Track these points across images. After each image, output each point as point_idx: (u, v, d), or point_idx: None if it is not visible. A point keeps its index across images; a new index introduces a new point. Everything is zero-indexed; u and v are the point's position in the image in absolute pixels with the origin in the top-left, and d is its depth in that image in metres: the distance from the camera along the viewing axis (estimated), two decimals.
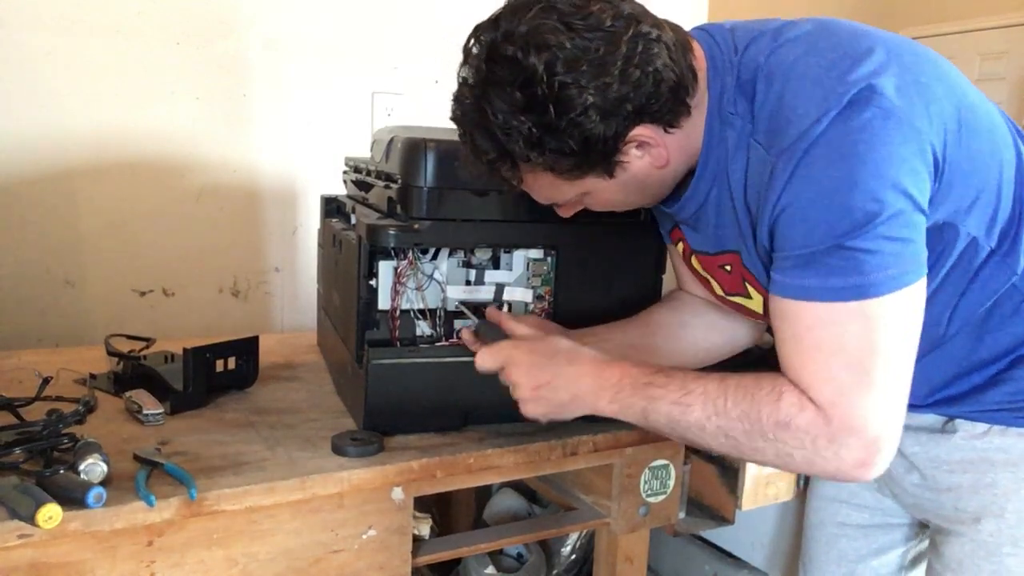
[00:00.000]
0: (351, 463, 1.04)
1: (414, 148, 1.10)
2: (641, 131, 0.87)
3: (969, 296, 0.92)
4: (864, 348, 0.81)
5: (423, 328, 1.17)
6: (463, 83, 0.89)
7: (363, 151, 1.48)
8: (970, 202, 0.86)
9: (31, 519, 0.82)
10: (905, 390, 0.83)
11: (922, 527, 1.15)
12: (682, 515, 1.43)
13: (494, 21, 0.86)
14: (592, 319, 1.19)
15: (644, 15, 0.86)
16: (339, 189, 1.57)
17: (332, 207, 1.51)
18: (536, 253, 1.20)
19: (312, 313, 1.75)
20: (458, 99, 0.90)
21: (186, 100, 1.76)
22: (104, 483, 0.90)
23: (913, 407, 0.95)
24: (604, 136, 0.85)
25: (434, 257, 1.16)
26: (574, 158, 0.87)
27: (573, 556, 1.85)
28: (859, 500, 1.17)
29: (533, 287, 1.21)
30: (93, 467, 0.91)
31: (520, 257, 1.20)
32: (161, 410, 1.16)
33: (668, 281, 1.29)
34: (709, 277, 1.07)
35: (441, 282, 1.17)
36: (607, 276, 1.22)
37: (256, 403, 1.26)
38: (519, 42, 0.82)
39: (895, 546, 1.17)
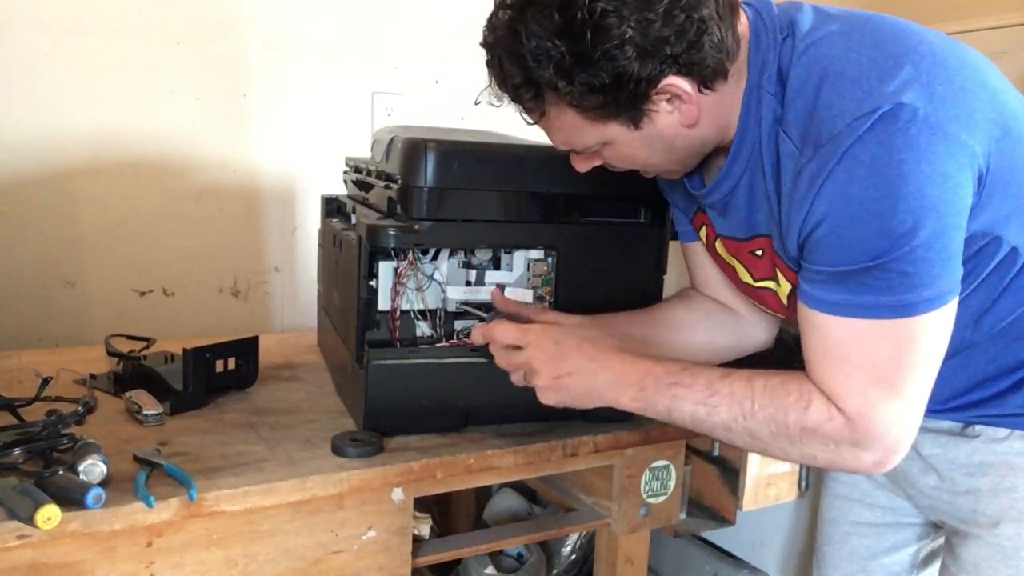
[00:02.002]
0: (351, 463, 1.04)
1: (414, 148, 1.10)
2: (675, 81, 0.84)
3: (1001, 303, 0.90)
4: (893, 363, 0.81)
5: (423, 329, 1.17)
6: (500, 4, 0.86)
7: (363, 151, 1.48)
8: (1009, 211, 0.84)
9: (30, 520, 0.82)
10: (926, 397, 0.84)
11: (935, 526, 1.14)
12: (683, 516, 1.43)
13: None
14: None
15: None
16: (339, 189, 1.57)
17: (332, 207, 1.51)
18: (536, 253, 1.20)
19: (312, 313, 1.75)
20: (491, 22, 0.88)
21: (186, 100, 1.76)
22: (103, 484, 0.90)
23: (934, 411, 0.94)
24: (637, 76, 0.82)
25: (434, 258, 1.16)
26: (602, 95, 0.84)
27: (573, 556, 1.85)
28: (872, 500, 1.17)
29: (533, 287, 1.21)
30: (92, 468, 0.91)
31: (520, 257, 1.20)
32: (161, 410, 1.16)
33: (668, 281, 1.29)
34: (736, 263, 1.04)
35: (441, 283, 1.16)
36: (607, 276, 1.21)
37: (256, 403, 1.26)
38: None
39: (908, 544, 1.16)
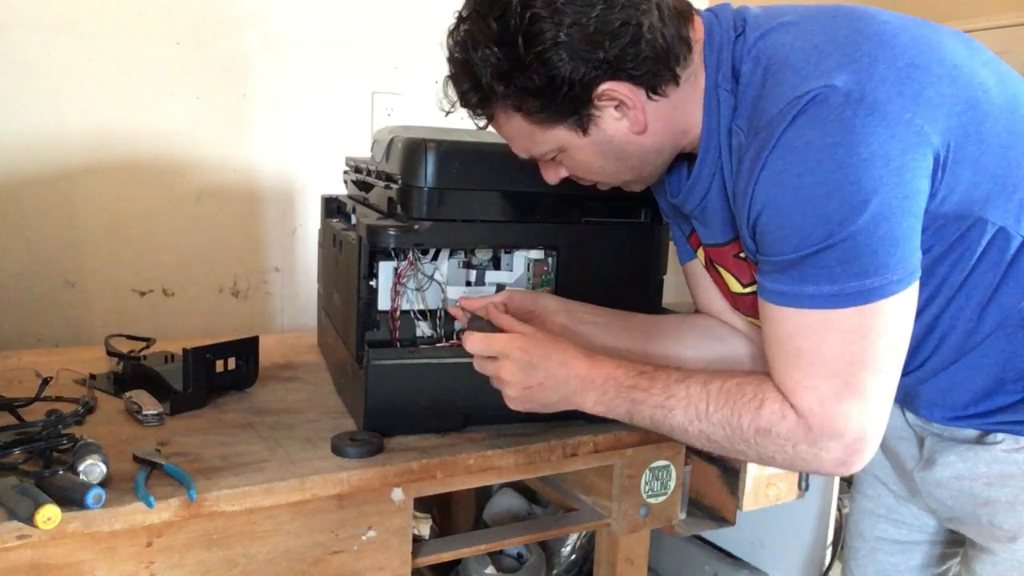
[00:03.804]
0: (351, 464, 1.04)
1: (414, 148, 1.10)
2: (616, 87, 0.85)
3: (1005, 290, 0.85)
4: (845, 357, 0.79)
5: (423, 329, 1.17)
6: (456, 19, 0.92)
7: (363, 151, 1.48)
8: (987, 190, 0.81)
9: (30, 520, 0.82)
10: (889, 393, 0.81)
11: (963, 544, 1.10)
12: (683, 516, 1.42)
13: None
14: None
15: None
16: (339, 189, 1.57)
17: (332, 207, 1.51)
18: (536, 253, 1.20)
19: (312, 313, 1.75)
20: (449, 31, 0.93)
21: (186, 100, 1.76)
22: (103, 484, 0.90)
23: (954, 418, 0.93)
24: (571, 79, 0.83)
25: (434, 258, 1.16)
26: (540, 99, 0.86)
27: (573, 556, 1.85)
28: (897, 516, 1.13)
29: (533, 287, 1.21)
30: (92, 468, 0.91)
31: (520, 257, 1.20)
32: (161, 410, 1.16)
33: (668, 281, 1.29)
34: (725, 273, 1.03)
35: (441, 283, 1.16)
36: (607, 276, 1.21)
37: (256, 403, 1.26)
38: None
39: (934, 564, 1.13)
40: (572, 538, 1.84)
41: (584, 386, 0.94)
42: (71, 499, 0.86)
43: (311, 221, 1.89)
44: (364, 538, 1.05)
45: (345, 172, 1.53)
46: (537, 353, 0.96)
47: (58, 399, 1.18)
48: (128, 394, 1.20)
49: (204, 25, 1.75)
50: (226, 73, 1.79)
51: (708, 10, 0.92)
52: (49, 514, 0.83)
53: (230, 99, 1.80)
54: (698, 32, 0.89)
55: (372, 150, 1.37)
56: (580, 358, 0.95)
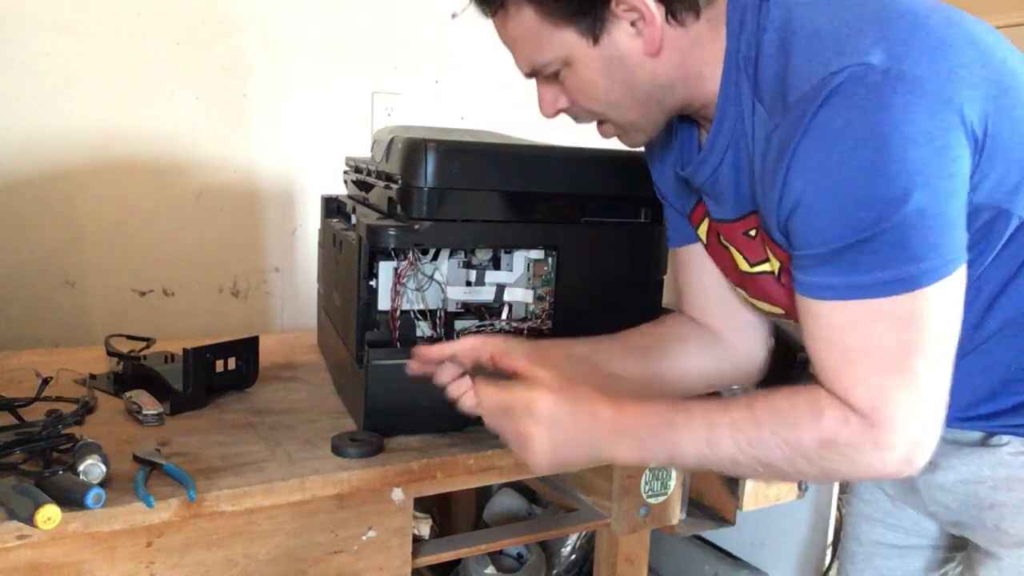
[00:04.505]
0: (351, 464, 1.04)
1: (414, 148, 1.10)
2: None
3: (1016, 287, 0.82)
4: (901, 346, 0.74)
5: (423, 329, 1.17)
6: None
7: (363, 151, 1.48)
8: (1017, 180, 0.77)
9: (30, 520, 0.82)
10: (945, 382, 0.77)
11: (963, 549, 1.07)
12: (683, 516, 1.42)
13: None
14: (592, 319, 1.19)
15: None
16: (339, 189, 1.57)
17: (332, 207, 1.51)
18: (536, 253, 1.20)
19: (312, 313, 1.75)
20: None
21: (186, 100, 1.76)
22: (103, 484, 0.90)
23: (958, 419, 0.89)
24: None
25: (434, 258, 1.16)
26: None
27: (573, 556, 1.85)
28: (894, 520, 1.11)
29: (533, 287, 1.21)
30: (92, 468, 0.91)
31: (520, 257, 1.20)
32: (161, 410, 1.16)
33: (668, 281, 1.29)
34: (734, 250, 0.97)
35: (441, 283, 1.16)
36: (607, 276, 1.21)
37: (256, 403, 1.26)
38: None
39: (933, 568, 1.11)
40: (572, 538, 1.84)
41: (615, 435, 0.86)
42: (71, 499, 0.86)
43: (311, 221, 1.89)
44: (364, 538, 1.05)
45: (345, 172, 1.53)
46: (563, 405, 0.86)
47: (58, 399, 1.18)
48: (128, 394, 1.20)
49: (204, 25, 1.75)
50: (226, 73, 1.79)
51: None
52: (49, 514, 0.83)
53: (230, 99, 1.80)
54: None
55: (372, 150, 1.37)
56: (606, 405, 0.86)
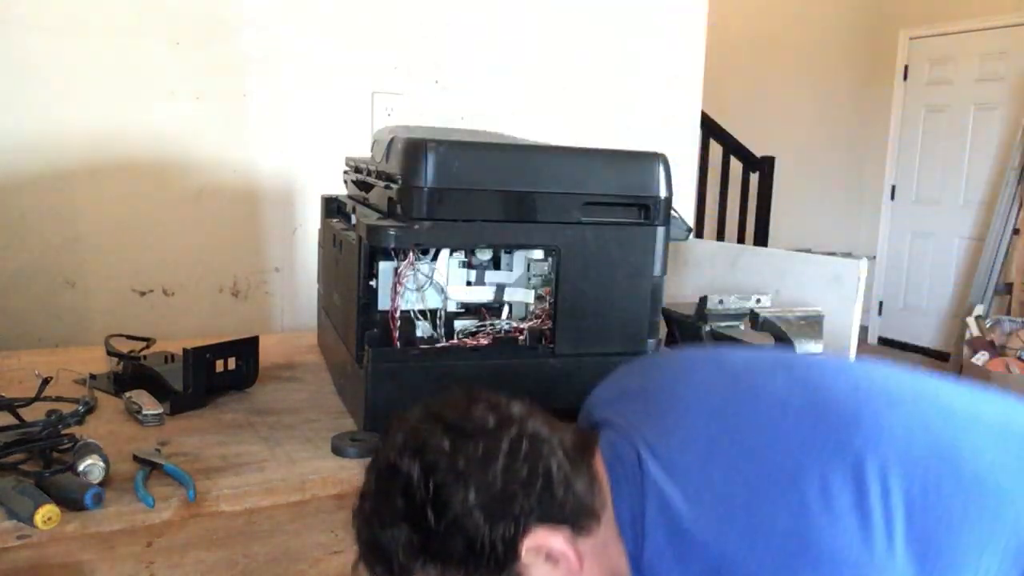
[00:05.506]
0: (351, 464, 1.04)
1: (414, 148, 1.10)
2: (540, 537, 0.79)
3: None
4: None
5: (423, 329, 1.17)
6: (359, 496, 0.84)
7: (363, 151, 1.48)
8: None
9: (30, 520, 0.82)
10: None
11: None
12: None
13: (385, 431, 0.83)
14: (592, 319, 1.19)
15: (535, 415, 0.82)
16: (339, 189, 1.57)
17: (332, 207, 1.51)
18: (536, 253, 1.20)
19: (312, 313, 1.75)
20: (354, 512, 0.85)
21: (186, 100, 1.76)
22: (103, 484, 0.90)
23: None
24: (492, 540, 0.77)
25: (434, 258, 1.16)
26: (464, 566, 0.78)
27: None
28: None
29: (533, 287, 1.21)
30: (92, 468, 0.91)
31: (520, 257, 1.20)
32: (161, 410, 1.16)
33: (668, 281, 1.29)
34: None
35: (441, 283, 1.16)
36: (607, 276, 1.21)
37: (256, 403, 1.26)
38: (399, 448, 0.79)
39: None
40: None
41: None
42: (71, 499, 0.86)
43: (311, 221, 1.89)
44: None
45: (345, 172, 1.53)
46: None
47: (58, 399, 1.18)
48: (128, 394, 1.20)
49: (204, 25, 1.75)
50: (226, 73, 1.79)
51: (606, 442, 0.87)
52: (49, 514, 0.83)
53: (230, 99, 1.81)
54: (602, 471, 0.84)
55: (372, 150, 1.37)
56: None
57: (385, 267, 1.14)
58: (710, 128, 4.06)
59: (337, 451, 1.06)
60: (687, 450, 0.83)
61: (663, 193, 1.19)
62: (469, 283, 1.19)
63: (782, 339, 1.24)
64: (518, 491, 0.78)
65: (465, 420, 0.80)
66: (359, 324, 1.14)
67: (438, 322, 1.17)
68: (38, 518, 0.82)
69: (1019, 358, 4.11)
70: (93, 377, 1.31)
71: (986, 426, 0.82)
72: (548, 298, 1.20)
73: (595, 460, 0.85)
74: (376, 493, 0.81)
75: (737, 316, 1.40)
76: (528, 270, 1.21)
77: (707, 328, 1.39)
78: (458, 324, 1.18)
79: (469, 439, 0.78)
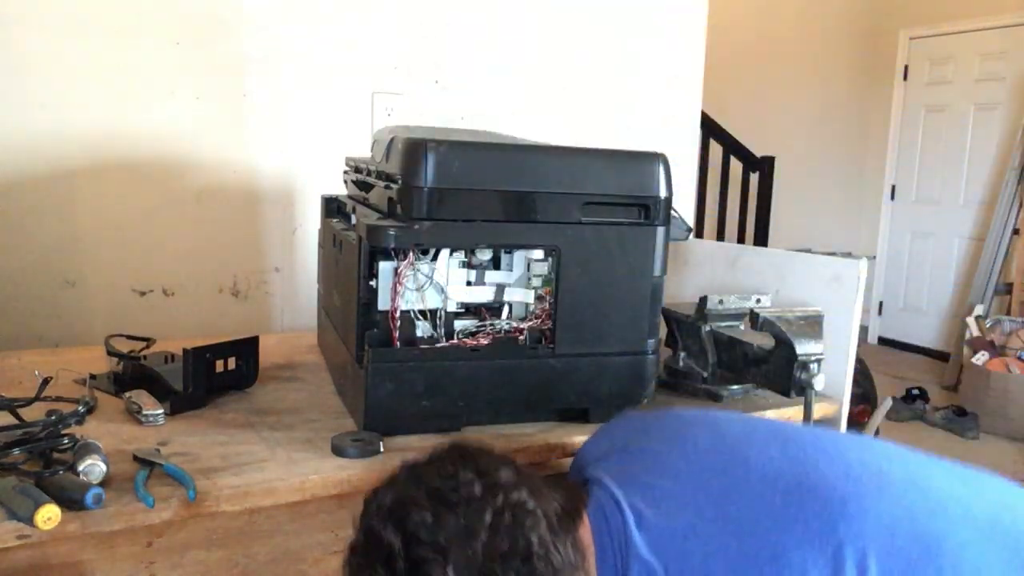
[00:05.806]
0: (351, 464, 1.04)
1: (414, 148, 1.10)
2: None
3: None
4: None
5: (423, 329, 1.17)
6: (349, 547, 0.84)
7: (363, 151, 1.48)
8: None
9: (30, 520, 0.82)
10: None
11: None
12: None
13: (374, 492, 0.83)
14: (592, 319, 1.19)
15: (521, 483, 0.81)
16: (339, 189, 1.57)
17: (332, 207, 1.51)
18: (536, 253, 1.20)
19: (312, 313, 1.75)
20: (344, 562, 0.85)
21: (186, 100, 1.76)
22: (103, 484, 0.90)
23: None
24: None
25: (434, 258, 1.16)
26: None
27: None
28: None
29: (533, 287, 1.21)
30: (92, 468, 0.91)
31: (520, 257, 1.20)
32: (161, 410, 1.16)
33: (668, 281, 1.29)
34: None
35: (441, 283, 1.16)
36: (607, 276, 1.21)
37: (256, 403, 1.26)
38: (383, 515, 0.79)
39: None
40: None
41: None
42: (71, 499, 0.86)
43: (311, 221, 1.89)
44: None
45: (345, 172, 1.53)
46: None
47: (58, 399, 1.18)
48: (128, 394, 1.20)
49: (204, 25, 1.75)
50: (226, 73, 1.79)
51: (595, 505, 0.88)
52: (49, 514, 0.83)
53: (230, 99, 1.81)
54: (588, 536, 0.85)
55: (372, 150, 1.37)
56: None
57: (385, 267, 1.14)
58: (710, 128, 4.06)
59: (337, 451, 1.06)
60: (674, 518, 0.84)
61: (663, 193, 1.19)
62: (469, 283, 1.19)
63: (782, 339, 1.24)
64: (497, 568, 0.77)
65: (450, 488, 0.79)
66: (359, 324, 1.14)
67: (438, 322, 1.17)
68: (38, 518, 0.82)
69: (1019, 358, 4.12)
70: (93, 377, 1.31)
71: (974, 520, 0.83)
72: (548, 298, 1.20)
73: (582, 526, 0.85)
74: (361, 556, 0.81)
75: (737, 316, 1.40)
76: (528, 270, 1.20)
77: (707, 328, 1.39)
78: (458, 324, 1.18)
79: (452, 510, 0.78)
